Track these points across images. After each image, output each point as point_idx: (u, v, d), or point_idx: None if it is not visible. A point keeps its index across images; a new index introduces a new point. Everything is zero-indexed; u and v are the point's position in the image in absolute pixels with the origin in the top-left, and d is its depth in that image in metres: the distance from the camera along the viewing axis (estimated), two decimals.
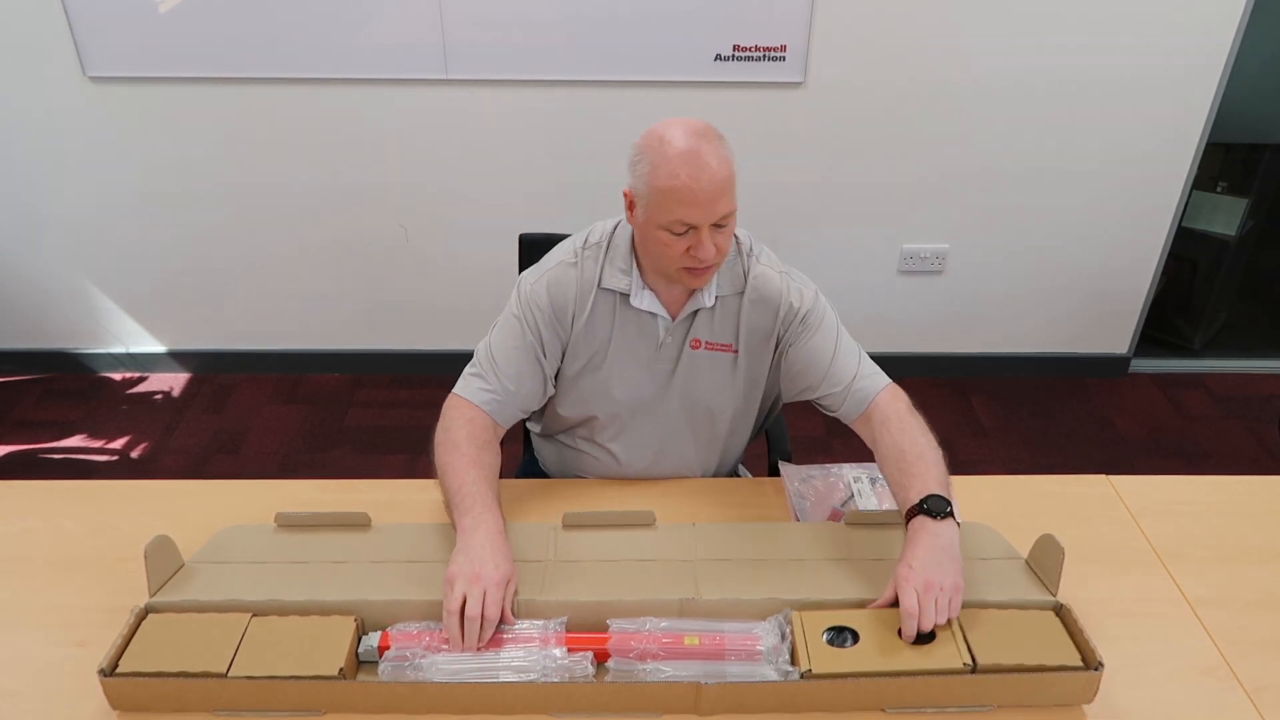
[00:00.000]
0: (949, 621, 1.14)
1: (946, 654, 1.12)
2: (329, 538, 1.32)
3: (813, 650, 1.13)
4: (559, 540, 1.32)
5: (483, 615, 1.14)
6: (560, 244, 1.48)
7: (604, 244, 1.43)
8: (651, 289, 1.41)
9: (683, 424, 1.51)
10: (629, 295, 1.41)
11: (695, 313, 1.43)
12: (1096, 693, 1.12)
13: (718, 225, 1.29)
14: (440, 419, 1.41)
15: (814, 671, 1.11)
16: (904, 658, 1.12)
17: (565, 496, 1.46)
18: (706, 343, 1.45)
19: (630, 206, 1.34)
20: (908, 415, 1.38)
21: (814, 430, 2.68)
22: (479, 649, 1.14)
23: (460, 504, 1.28)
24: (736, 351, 1.46)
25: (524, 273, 1.46)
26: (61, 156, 2.62)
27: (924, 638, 1.13)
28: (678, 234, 1.28)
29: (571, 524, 1.35)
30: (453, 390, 1.43)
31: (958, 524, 1.23)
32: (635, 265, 1.41)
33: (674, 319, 1.43)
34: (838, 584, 1.23)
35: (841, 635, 1.15)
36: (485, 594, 1.15)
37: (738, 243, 1.45)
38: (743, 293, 1.43)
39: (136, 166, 2.64)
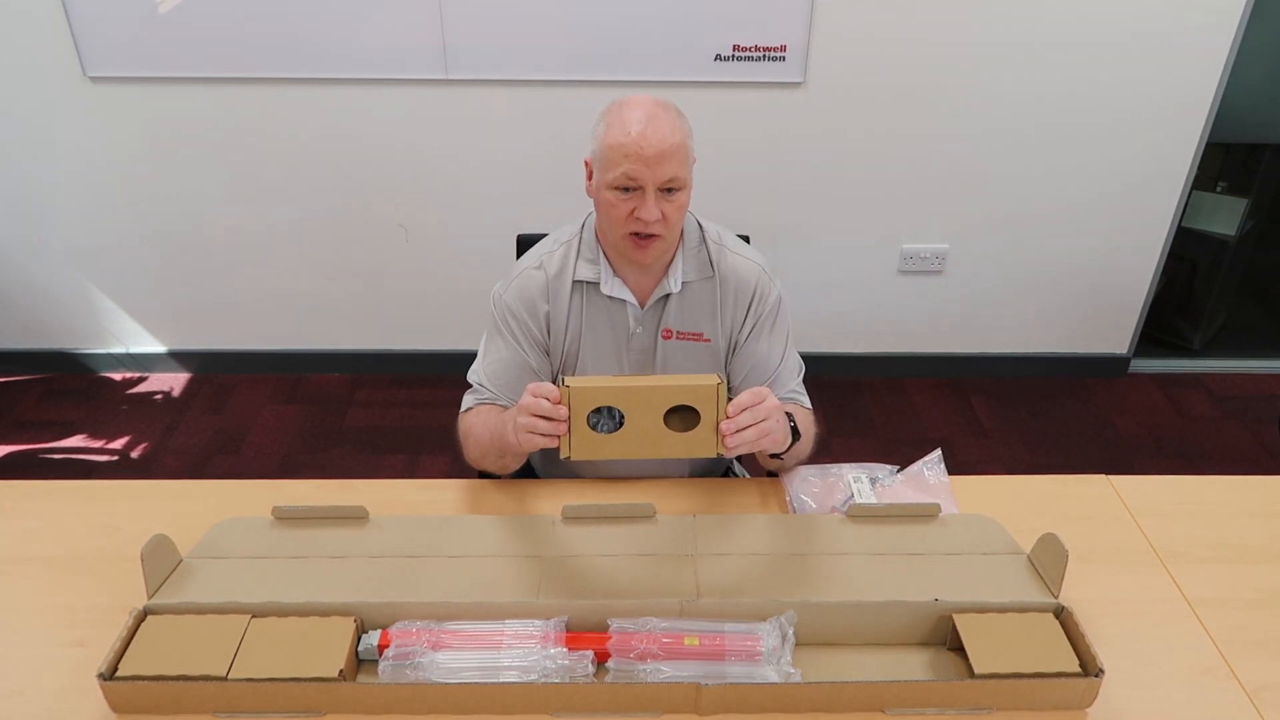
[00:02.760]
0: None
1: (703, 441, 1.15)
2: (326, 532, 1.32)
3: (576, 435, 1.15)
4: (559, 534, 1.32)
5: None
6: (529, 251, 1.51)
7: (573, 241, 1.46)
8: (620, 277, 1.44)
9: None
10: (599, 284, 1.43)
11: (665, 301, 1.45)
12: (1096, 697, 1.12)
13: (665, 192, 1.31)
14: (461, 447, 1.48)
15: (574, 459, 1.15)
16: (664, 444, 1.15)
17: (563, 496, 1.46)
18: (678, 332, 1.47)
19: (589, 175, 1.37)
20: (804, 416, 1.47)
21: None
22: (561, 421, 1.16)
23: (502, 421, 1.34)
24: (711, 340, 1.48)
25: (496, 285, 1.49)
26: (61, 156, 2.62)
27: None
28: (624, 194, 1.31)
29: (571, 516, 1.35)
30: (460, 414, 1.49)
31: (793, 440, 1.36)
32: (603, 255, 1.44)
33: (643, 306, 1.45)
34: (839, 581, 1.23)
35: (609, 416, 1.17)
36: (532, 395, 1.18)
37: (701, 230, 1.47)
38: (712, 279, 1.46)
39: (136, 166, 2.64)
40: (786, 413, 1.35)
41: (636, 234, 1.34)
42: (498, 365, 1.47)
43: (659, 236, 1.34)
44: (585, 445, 1.17)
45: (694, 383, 1.16)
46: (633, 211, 1.32)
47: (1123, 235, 2.77)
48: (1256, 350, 3.15)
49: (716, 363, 1.50)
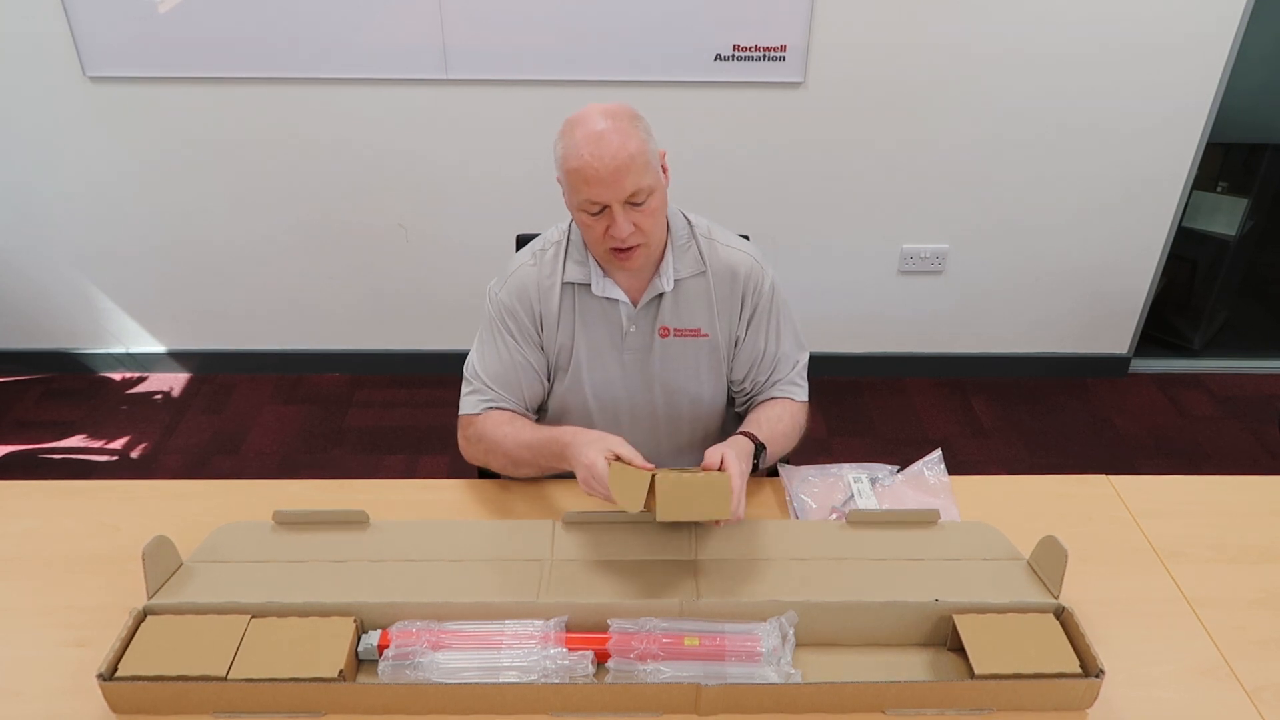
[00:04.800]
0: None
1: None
2: (327, 536, 1.32)
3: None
4: (559, 539, 1.32)
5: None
6: (521, 250, 1.51)
7: (563, 241, 1.46)
8: (611, 277, 1.44)
9: (669, 417, 1.53)
10: (590, 286, 1.43)
11: (659, 299, 1.45)
12: (1096, 698, 1.12)
13: (633, 205, 1.31)
14: (462, 444, 1.48)
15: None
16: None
17: (564, 495, 1.46)
18: (675, 329, 1.46)
19: (563, 193, 1.38)
20: (790, 420, 1.48)
21: (814, 430, 2.67)
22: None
23: (549, 442, 1.38)
24: (709, 335, 1.47)
25: (491, 283, 1.49)
26: (62, 156, 2.62)
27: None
28: (593, 214, 1.32)
29: (572, 522, 1.35)
30: (459, 414, 1.48)
31: (757, 460, 1.39)
32: (591, 257, 1.44)
33: (635, 305, 1.45)
34: (839, 584, 1.23)
35: None
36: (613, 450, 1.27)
37: (690, 225, 1.47)
38: (705, 273, 1.45)
39: (136, 166, 2.64)
40: (745, 433, 1.40)
41: (616, 248, 1.35)
42: (498, 366, 1.46)
43: (639, 246, 1.35)
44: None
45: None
46: (607, 229, 1.32)
47: (1123, 235, 2.77)
48: (1256, 350, 3.15)
49: (715, 357, 1.49)
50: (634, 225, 1.31)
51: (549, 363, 1.49)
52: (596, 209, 1.31)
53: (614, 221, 1.30)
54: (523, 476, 1.47)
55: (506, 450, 1.42)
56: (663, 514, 1.20)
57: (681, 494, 1.20)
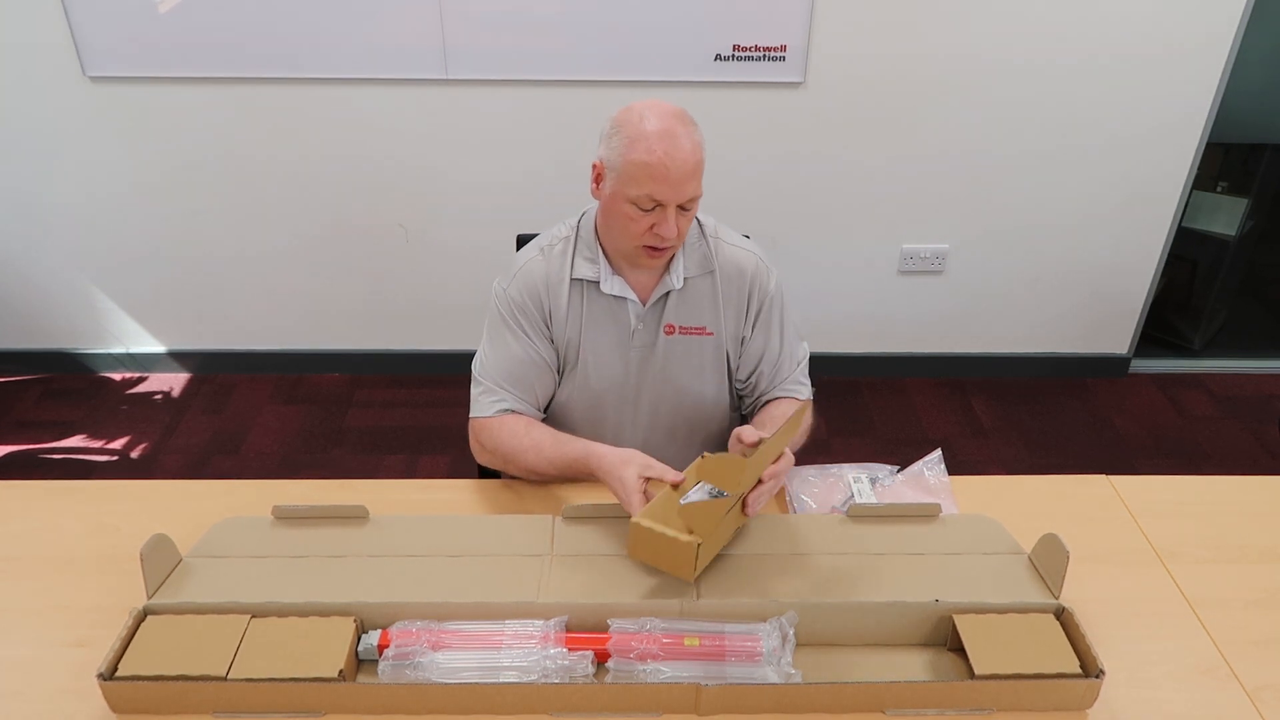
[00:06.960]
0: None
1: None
2: (327, 532, 1.32)
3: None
4: (559, 534, 1.32)
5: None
6: (525, 246, 1.51)
7: (571, 237, 1.46)
8: (620, 275, 1.44)
9: (672, 414, 1.53)
10: (599, 283, 1.43)
11: (666, 297, 1.45)
12: (1096, 698, 1.12)
13: (682, 208, 1.32)
14: (473, 446, 1.48)
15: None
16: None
17: (564, 495, 1.46)
18: (681, 327, 1.47)
19: (598, 179, 1.36)
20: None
21: (814, 430, 2.66)
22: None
23: (576, 462, 1.39)
24: (714, 334, 1.48)
25: (496, 281, 1.48)
26: (62, 156, 2.62)
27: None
28: (644, 210, 1.32)
29: (572, 517, 1.35)
30: (470, 416, 1.48)
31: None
32: (602, 253, 1.43)
33: (644, 304, 1.45)
34: (840, 581, 1.23)
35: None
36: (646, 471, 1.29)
37: (700, 224, 1.48)
38: (713, 272, 1.46)
39: (137, 166, 2.64)
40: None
41: (652, 246, 1.35)
42: (510, 363, 1.45)
43: (672, 247, 1.36)
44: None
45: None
46: (651, 227, 1.32)
47: (1123, 235, 2.77)
48: (1256, 350, 3.15)
49: (719, 355, 1.50)
50: (676, 229, 1.32)
51: (559, 356, 1.49)
52: (651, 205, 1.31)
53: (664, 221, 1.31)
54: (538, 481, 1.47)
55: (529, 463, 1.42)
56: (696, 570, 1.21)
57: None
